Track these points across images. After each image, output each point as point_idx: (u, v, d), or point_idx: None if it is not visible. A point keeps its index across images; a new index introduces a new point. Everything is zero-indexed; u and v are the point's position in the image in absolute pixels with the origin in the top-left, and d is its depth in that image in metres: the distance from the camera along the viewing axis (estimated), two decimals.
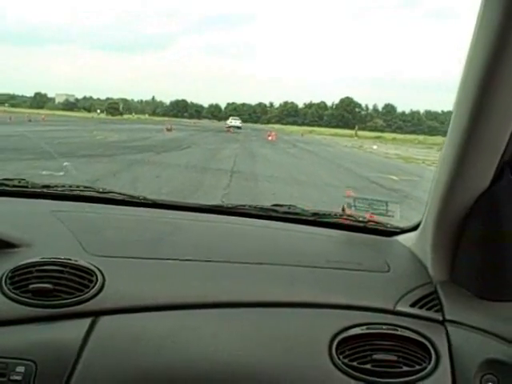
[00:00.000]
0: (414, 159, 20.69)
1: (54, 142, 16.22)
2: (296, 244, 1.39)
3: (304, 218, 1.51)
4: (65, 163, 10.99)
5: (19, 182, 1.58)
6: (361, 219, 1.51)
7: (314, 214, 1.53)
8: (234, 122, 49.82)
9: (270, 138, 30.88)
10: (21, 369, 0.97)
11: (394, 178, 12.97)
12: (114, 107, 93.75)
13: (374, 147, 30.97)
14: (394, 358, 1.03)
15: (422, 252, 1.26)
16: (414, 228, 1.36)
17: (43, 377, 0.98)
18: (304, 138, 41.38)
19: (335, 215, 1.54)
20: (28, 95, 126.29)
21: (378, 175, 13.45)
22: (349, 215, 1.53)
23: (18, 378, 0.97)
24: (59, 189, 1.56)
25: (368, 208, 1.53)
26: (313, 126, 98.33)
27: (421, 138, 55.18)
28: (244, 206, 1.58)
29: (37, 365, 0.98)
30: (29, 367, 0.98)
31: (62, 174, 9.00)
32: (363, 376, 1.01)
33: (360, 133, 61.75)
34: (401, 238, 1.42)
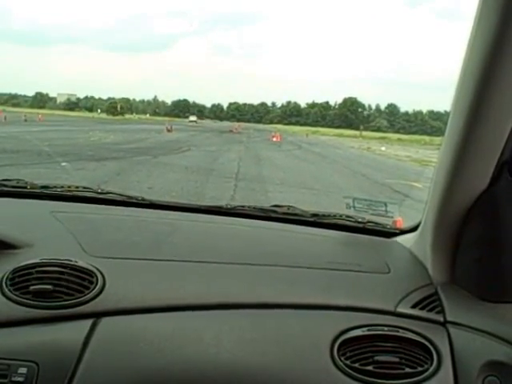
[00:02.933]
0: (427, 161, 19.73)
1: (43, 144, 15.23)
2: (296, 245, 1.39)
3: (303, 218, 1.51)
4: (63, 163, 10.58)
5: (18, 182, 1.57)
6: (360, 220, 1.49)
7: (314, 215, 1.52)
8: (192, 118, 74.49)
9: (274, 138, 30.48)
10: (23, 370, 0.97)
11: (418, 185, 11.78)
12: (115, 107, 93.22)
13: (383, 148, 30.24)
14: (396, 360, 1.02)
15: (421, 253, 1.25)
16: (414, 229, 1.35)
17: (45, 378, 0.97)
18: (309, 138, 40.68)
19: (334, 216, 1.53)
20: (30, 95, 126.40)
21: (398, 182, 12.45)
22: (348, 216, 1.50)
23: (20, 379, 0.96)
24: (58, 189, 1.56)
25: (367, 209, 1.46)
26: (316, 126, 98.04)
27: (427, 138, 54.58)
28: (243, 206, 1.58)
29: (39, 366, 0.97)
30: (31, 368, 0.97)
31: None
32: (365, 378, 1.00)
33: (363, 133, 61.25)
34: (400, 238, 1.41)
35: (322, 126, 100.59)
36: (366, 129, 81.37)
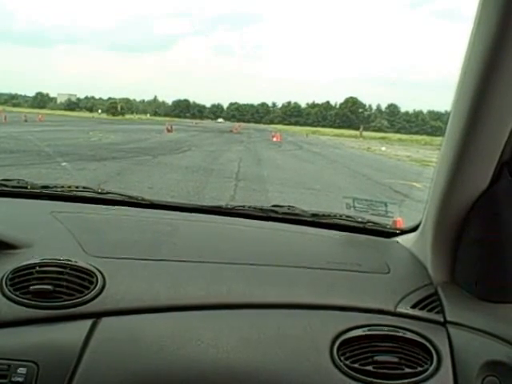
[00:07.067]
0: (427, 162, 19.67)
1: (43, 144, 15.20)
2: (296, 245, 1.39)
3: (303, 218, 1.50)
4: (63, 163, 10.54)
5: (18, 182, 1.57)
6: (360, 220, 1.49)
7: (314, 215, 1.52)
8: (220, 120, 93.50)
9: (274, 139, 30.52)
10: (22, 370, 0.97)
11: (417, 185, 11.77)
12: (115, 107, 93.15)
13: (383, 149, 30.18)
14: (396, 360, 1.02)
15: (421, 253, 1.25)
16: (414, 229, 1.35)
17: (45, 378, 0.97)
18: (309, 138, 40.57)
19: (334, 216, 1.52)
20: (30, 95, 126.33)
21: (398, 182, 12.42)
22: (348, 216, 1.50)
23: (20, 379, 0.96)
24: (58, 189, 1.56)
25: (367, 209, 1.48)
26: (316, 126, 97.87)
27: (427, 138, 54.54)
28: (243, 206, 1.58)
29: (38, 366, 0.97)
30: (30, 369, 0.97)
31: None
32: (365, 378, 1.00)
33: (364, 133, 61.13)
34: (400, 239, 1.41)
35: (323, 126, 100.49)
36: (366, 129, 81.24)
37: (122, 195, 1.57)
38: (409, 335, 1.06)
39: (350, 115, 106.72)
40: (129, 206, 1.52)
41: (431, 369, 1.02)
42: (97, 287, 1.10)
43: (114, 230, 1.36)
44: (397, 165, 19.26)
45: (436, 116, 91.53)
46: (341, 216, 1.52)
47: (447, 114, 1.05)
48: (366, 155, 24.46)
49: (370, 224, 1.49)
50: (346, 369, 1.01)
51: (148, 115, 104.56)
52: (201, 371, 1.01)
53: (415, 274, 1.22)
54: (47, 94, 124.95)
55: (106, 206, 1.51)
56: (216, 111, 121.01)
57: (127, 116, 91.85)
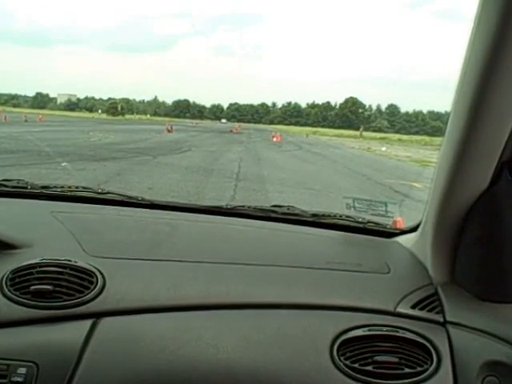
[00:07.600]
0: (427, 162, 19.65)
1: (43, 145, 15.20)
2: (296, 245, 1.39)
3: (303, 218, 1.50)
4: (63, 163, 10.61)
5: (18, 182, 1.57)
6: (360, 220, 1.49)
7: (314, 215, 1.51)
8: (223, 120, 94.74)
9: (274, 139, 30.59)
10: (22, 370, 0.96)
11: (417, 185, 11.76)
12: (115, 107, 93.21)
13: (383, 149, 30.19)
14: (396, 360, 1.02)
15: (422, 253, 1.25)
16: (414, 229, 1.35)
17: (44, 378, 0.97)
18: (309, 139, 40.59)
19: (334, 216, 1.52)
20: (30, 95, 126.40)
21: (398, 182, 12.42)
22: (348, 216, 1.50)
23: (20, 379, 0.96)
24: (58, 189, 1.56)
25: (367, 209, 1.48)
26: (316, 126, 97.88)
27: (427, 138, 54.62)
28: (243, 206, 1.58)
29: (38, 366, 0.97)
30: (30, 369, 0.97)
31: None
32: (365, 378, 1.00)
33: (364, 133, 61.14)
34: (400, 239, 1.41)
35: (323, 126, 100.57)
36: (366, 129, 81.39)
37: (122, 195, 1.57)
38: (409, 335, 1.06)
39: (350, 115, 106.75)
40: (128, 206, 1.52)
41: (431, 369, 1.02)
42: (97, 287, 1.10)
43: (113, 230, 1.36)
44: (397, 165, 19.25)
45: (436, 116, 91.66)
46: (341, 216, 1.52)
47: (447, 114, 1.05)
48: (366, 155, 24.45)
49: (370, 224, 1.49)
50: (345, 369, 1.01)
51: (148, 115, 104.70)
52: (201, 371, 1.01)
53: (415, 274, 1.22)
54: (47, 95, 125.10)
55: (105, 206, 1.51)
56: (216, 111, 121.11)
57: (127, 116, 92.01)
